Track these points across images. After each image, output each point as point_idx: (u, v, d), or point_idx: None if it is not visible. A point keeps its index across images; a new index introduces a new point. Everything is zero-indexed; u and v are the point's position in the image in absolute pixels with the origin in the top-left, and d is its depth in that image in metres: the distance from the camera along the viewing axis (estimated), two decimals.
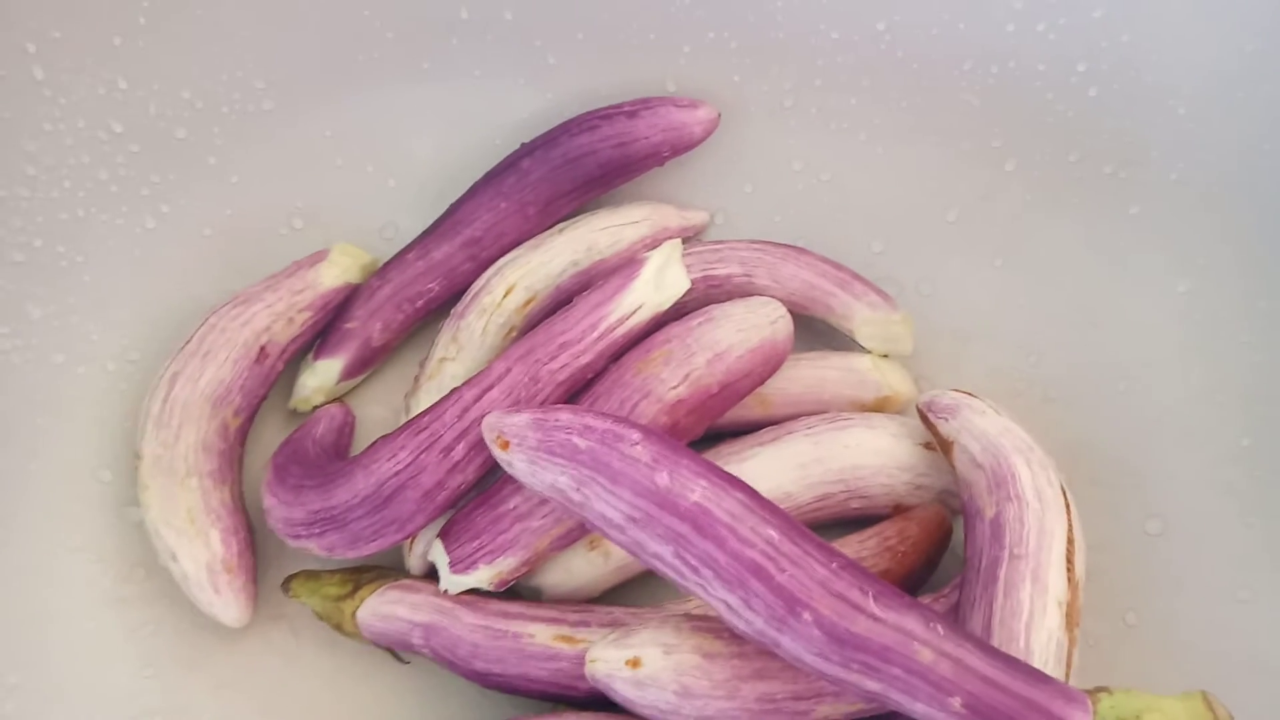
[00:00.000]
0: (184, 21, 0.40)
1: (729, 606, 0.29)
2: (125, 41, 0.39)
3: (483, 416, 0.34)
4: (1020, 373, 0.41)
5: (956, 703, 0.26)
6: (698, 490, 0.29)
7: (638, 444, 0.30)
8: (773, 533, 0.29)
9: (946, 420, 0.35)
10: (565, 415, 0.31)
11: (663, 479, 0.29)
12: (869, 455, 0.37)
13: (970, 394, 0.36)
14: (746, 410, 0.39)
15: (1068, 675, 0.30)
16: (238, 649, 0.39)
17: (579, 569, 0.37)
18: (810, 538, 0.29)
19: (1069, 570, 0.30)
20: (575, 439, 0.31)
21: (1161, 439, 0.39)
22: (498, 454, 0.32)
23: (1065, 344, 0.41)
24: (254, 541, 0.39)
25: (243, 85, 0.41)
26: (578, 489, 0.31)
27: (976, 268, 0.42)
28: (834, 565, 0.28)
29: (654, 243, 0.42)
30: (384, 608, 0.36)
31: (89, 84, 0.39)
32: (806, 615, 0.27)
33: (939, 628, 0.27)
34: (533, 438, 0.31)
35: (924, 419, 0.36)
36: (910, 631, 0.27)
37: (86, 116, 0.39)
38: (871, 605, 0.27)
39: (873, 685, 0.27)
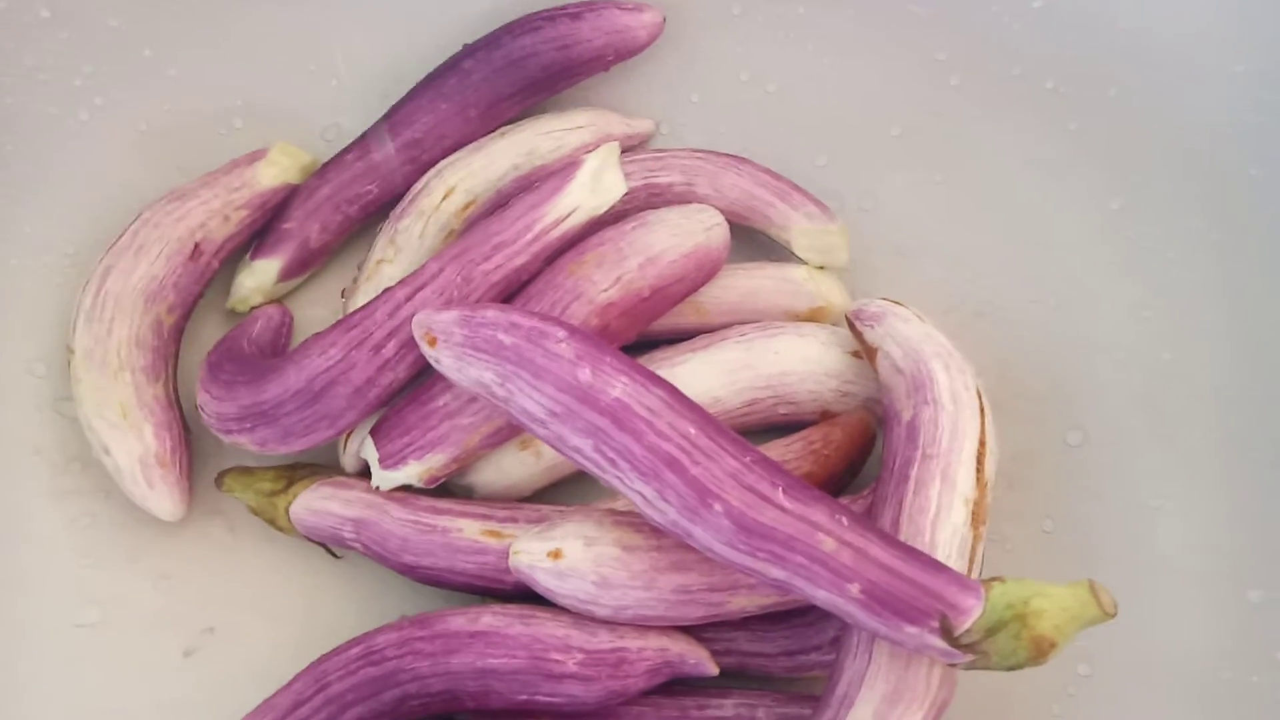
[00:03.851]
0: None
1: (645, 498, 0.29)
2: None
3: (414, 315, 0.34)
4: (955, 288, 0.41)
5: (855, 589, 0.27)
6: (618, 386, 0.30)
7: (562, 341, 0.30)
8: (689, 428, 0.29)
9: (872, 327, 0.35)
10: (492, 313, 0.32)
11: (585, 375, 0.30)
12: (797, 362, 0.37)
13: (897, 302, 0.36)
14: (682, 318, 0.39)
15: (971, 569, 0.30)
16: (176, 542, 0.39)
17: (510, 468, 0.37)
18: (726, 434, 0.30)
19: (979, 471, 0.31)
20: (501, 335, 0.31)
21: (1087, 354, 0.40)
22: (426, 350, 0.32)
23: (1000, 260, 0.41)
24: (189, 440, 0.39)
25: None
26: (502, 384, 0.31)
27: (918, 183, 0.42)
28: (747, 459, 0.29)
29: (597, 148, 0.41)
30: (316, 503, 0.36)
31: None
32: (717, 506, 0.28)
33: (843, 519, 0.28)
34: (459, 334, 0.32)
35: (851, 327, 0.36)
36: (815, 522, 0.28)
37: None
38: (780, 497, 0.28)
39: (778, 573, 0.28)
